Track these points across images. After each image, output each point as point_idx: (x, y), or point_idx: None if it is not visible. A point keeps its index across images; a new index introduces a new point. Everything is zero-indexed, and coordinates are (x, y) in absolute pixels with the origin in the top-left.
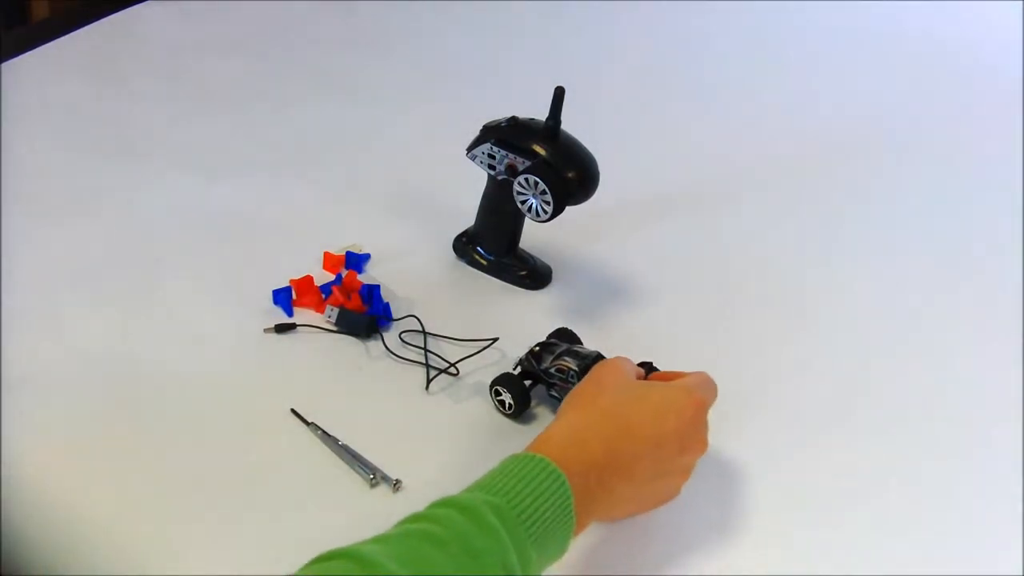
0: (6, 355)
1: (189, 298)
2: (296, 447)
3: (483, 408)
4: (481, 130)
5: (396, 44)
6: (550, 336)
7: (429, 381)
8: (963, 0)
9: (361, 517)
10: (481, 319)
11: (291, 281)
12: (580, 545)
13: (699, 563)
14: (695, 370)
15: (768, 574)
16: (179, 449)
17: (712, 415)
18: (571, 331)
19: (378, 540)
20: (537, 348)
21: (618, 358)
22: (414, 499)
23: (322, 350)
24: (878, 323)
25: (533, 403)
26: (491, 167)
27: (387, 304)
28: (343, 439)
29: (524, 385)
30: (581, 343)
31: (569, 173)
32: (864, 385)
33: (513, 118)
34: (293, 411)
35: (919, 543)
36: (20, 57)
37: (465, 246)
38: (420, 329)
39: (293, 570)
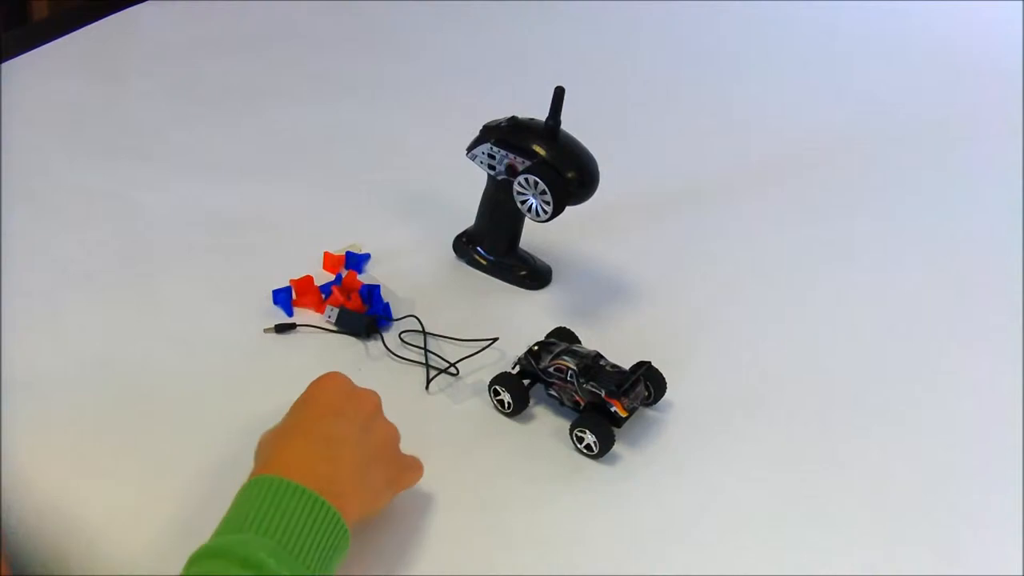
0: (6, 356)
1: (189, 298)
2: None
3: (483, 408)
4: (481, 130)
5: (396, 44)
6: (548, 335)
7: (429, 381)
8: (964, 0)
9: None
10: (481, 319)
11: (291, 281)
12: (578, 542)
13: (699, 563)
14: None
15: (766, 574)
16: (179, 450)
17: (713, 415)
18: (569, 330)
19: None
20: (535, 347)
21: (326, 376)
22: (414, 499)
23: (322, 350)
24: (878, 322)
25: (532, 402)
26: (491, 167)
27: (387, 304)
28: None
29: (523, 384)
30: (580, 342)
31: (569, 173)
32: (864, 384)
33: (513, 118)
34: None
35: (918, 543)
36: (20, 57)
37: (465, 246)
38: (420, 329)
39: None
